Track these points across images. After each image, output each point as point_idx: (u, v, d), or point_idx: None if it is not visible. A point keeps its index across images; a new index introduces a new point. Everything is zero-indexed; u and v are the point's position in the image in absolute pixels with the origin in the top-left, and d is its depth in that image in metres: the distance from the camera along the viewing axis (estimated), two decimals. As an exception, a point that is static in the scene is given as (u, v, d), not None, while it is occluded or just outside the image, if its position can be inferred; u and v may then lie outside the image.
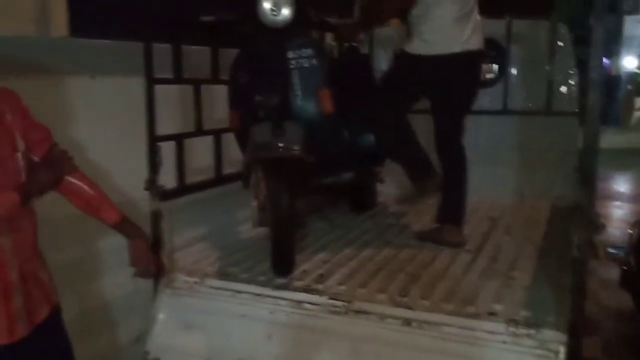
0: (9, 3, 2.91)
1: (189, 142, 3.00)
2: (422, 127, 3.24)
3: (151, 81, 2.66)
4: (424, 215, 3.62)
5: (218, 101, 3.14)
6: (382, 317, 2.32)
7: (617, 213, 7.69)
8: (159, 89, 2.70)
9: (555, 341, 2.07)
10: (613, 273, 4.38)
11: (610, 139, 10.01)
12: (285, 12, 2.64)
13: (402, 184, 3.50)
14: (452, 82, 3.03)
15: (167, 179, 2.77)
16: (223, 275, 2.72)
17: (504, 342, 2.14)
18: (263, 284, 2.58)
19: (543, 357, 2.06)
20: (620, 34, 16.62)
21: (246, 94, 2.73)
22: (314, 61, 2.75)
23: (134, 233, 2.15)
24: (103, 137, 2.76)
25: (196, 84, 3.06)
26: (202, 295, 2.64)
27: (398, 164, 3.30)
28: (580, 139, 2.11)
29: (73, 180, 1.95)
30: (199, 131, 3.10)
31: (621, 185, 9.64)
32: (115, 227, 2.10)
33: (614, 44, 15.62)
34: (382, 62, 4.28)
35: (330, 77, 2.82)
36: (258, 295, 2.54)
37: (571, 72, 4.10)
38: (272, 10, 2.64)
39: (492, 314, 2.26)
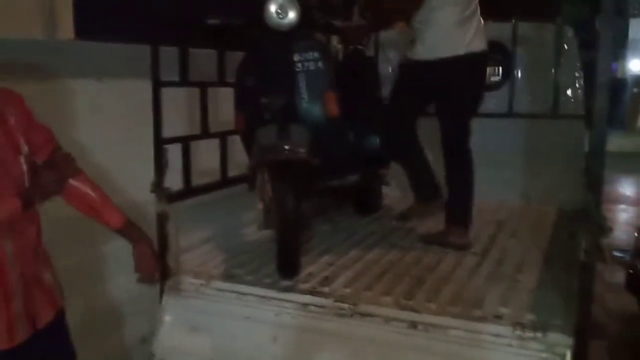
0: (15, 6, 2.92)
1: (195, 145, 3.01)
2: (428, 130, 3.25)
3: (158, 84, 2.66)
4: (429, 218, 3.61)
5: (224, 104, 3.15)
6: (388, 319, 2.32)
7: (623, 216, 7.68)
8: (165, 91, 2.70)
9: (562, 344, 2.06)
10: (619, 276, 4.37)
11: (615, 142, 9.96)
12: (292, 15, 2.64)
13: (407, 187, 3.50)
14: (456, 85, 3.03)
15: (173, 181, 2.78)
16: (228, 277, 2.72)
17: (510, 346, 2.13)
18: (268, 286, 2.58)
19: (549, 361, 2.06)
20: (626, 37, 16.57)
21: (252, 96, 2.73)
22: (320, 64, 2.76)
23: (138, 238, 2.10)
24: (109, 139, 2.78)
25: (202, 86, 3.06)
26: (207, 297, 2.64)
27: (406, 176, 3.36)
28: (586, 142, 2.11)
29: (76, 183, 1.91)
30: (205, 134, 3.10)
31: (627, 188, 9.62)
32: (119, 232, 2.07)
33: (619, 47, 15.57)
34: (387, 65, 4.30)
35: (336, 79, 2.83)
36: (263, 297, 2.54)
37: (577, 75, 4.09)
38: (278, 13, 2.64)
39: (498, 317, 2.25)
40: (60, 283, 1.96)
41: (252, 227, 3.24)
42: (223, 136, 3.23)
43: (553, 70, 3.86)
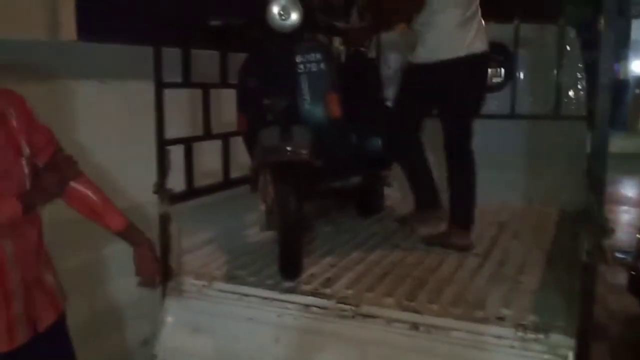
0: (18, 6, 2.93)
1: (197, 146, 3.01)
2: (431, 132, 3.24)
3: (160, 85, 2.67)
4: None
5: (226, 105, 3.15)
6: (390, 321, 2.32)
7: (625, 218, 7.65)
8: (167, 92, 2.70)
9: (564, 346, 2.06)
10: (621, 277, 4.36)
11: (617, 143, 9.94)
12: (294, 16, 2.64)
13: (408, 189, 3.50)
14: (458, 87, 3.04)
15: (176, 182, 2.78)
16: (231, 278, 2.72)
17: (512, 347, 2.13)
18: (270, 288, 2.59)
19: (551, 362, 2.06)
20: (628, 37, 16.57)
21: (254, 98, 2.74)
22: (322, 65, 2.76)
23: (140, 241, 2.07)
24: (112, 140, 2.77)
25: (205, 88, 3.07)
26: (209, 299, 2.64)
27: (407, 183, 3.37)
28: (588, 143, 2.11)
29: (77, 186, 1.89)
30: (208, 135, 3.10)
31: (629, 189, 9.59)
32: (119, 235, 2.04)
33: (621, 48, 15.57)
34: (389, 67, 4.30)
35: (338, 81, 2.83)
36: (265, 298, 2.54)
37: (579, 76, 4.09)
38: (280, 14, 2.64)
39: (500, 319, 2.25)
40: (62, 285, 1.95)
41: (255, 229, 3.23)
42: (225, 137, 3.24)
43: (555, 72, 3.85)
